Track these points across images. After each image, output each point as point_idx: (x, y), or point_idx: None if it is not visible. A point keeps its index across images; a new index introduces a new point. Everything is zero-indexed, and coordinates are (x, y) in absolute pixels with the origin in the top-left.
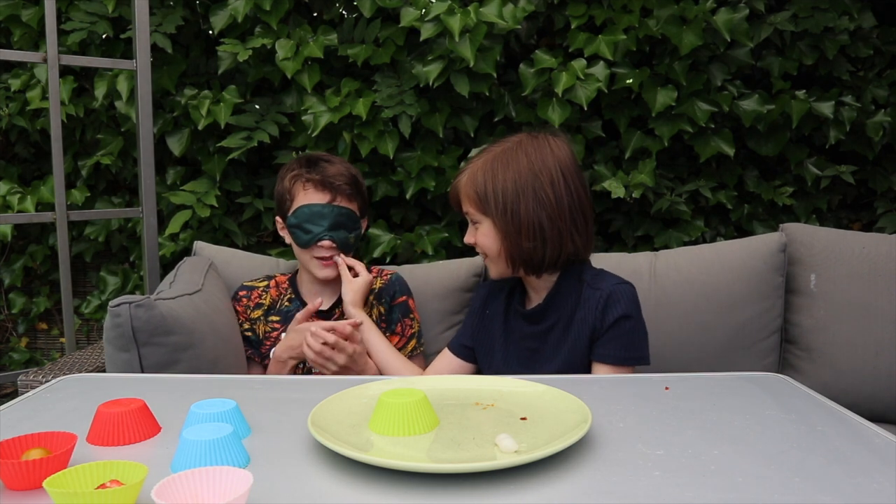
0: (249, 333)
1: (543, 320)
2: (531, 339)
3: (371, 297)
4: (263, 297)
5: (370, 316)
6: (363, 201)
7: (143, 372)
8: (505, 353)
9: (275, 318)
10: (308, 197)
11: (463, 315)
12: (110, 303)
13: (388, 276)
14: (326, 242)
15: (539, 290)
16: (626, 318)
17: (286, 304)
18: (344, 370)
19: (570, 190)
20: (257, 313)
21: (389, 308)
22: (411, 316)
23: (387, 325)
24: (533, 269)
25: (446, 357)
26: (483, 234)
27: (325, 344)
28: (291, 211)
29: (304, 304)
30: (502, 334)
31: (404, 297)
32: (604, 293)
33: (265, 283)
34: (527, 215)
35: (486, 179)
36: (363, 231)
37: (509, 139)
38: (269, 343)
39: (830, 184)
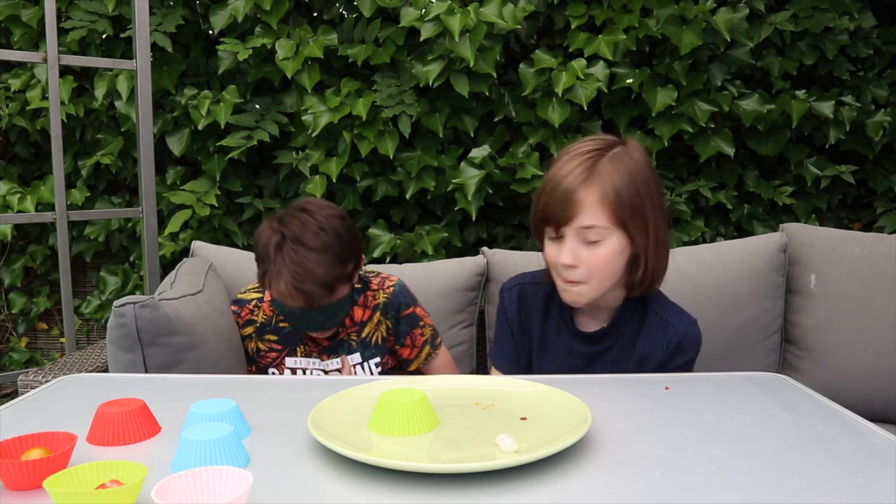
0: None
1: (602, 342)
2: (580, 357)
3: (377, 314)
4: (255, 314)
5: (378, 333)
6: (350, 272)
7: (146, 372)
8: (540, 362)
9: (272, 338)
10: (281, 297)
11: (465, 314)
12: (115, 303)
13: (391, 288)
14: (314, 335)
15: (599, 310)
16: (691, 361)
17: (284, 323)
18: None
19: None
20: (248, 330)
21: (396, 321)
22: (421, 324)
23: (395, 339)
24: (648, 290)
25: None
26: (609, 251)
27: None
28: (272, 296)
29: None
30: (539, 343)
31: (411, 309)
32: (678, 333)
33: (258, 294)
34: (657, 229)
35: (626, 186)
36: (360, 269)
37: (603, 139)
38: (263, 362)
39: (830, 184)
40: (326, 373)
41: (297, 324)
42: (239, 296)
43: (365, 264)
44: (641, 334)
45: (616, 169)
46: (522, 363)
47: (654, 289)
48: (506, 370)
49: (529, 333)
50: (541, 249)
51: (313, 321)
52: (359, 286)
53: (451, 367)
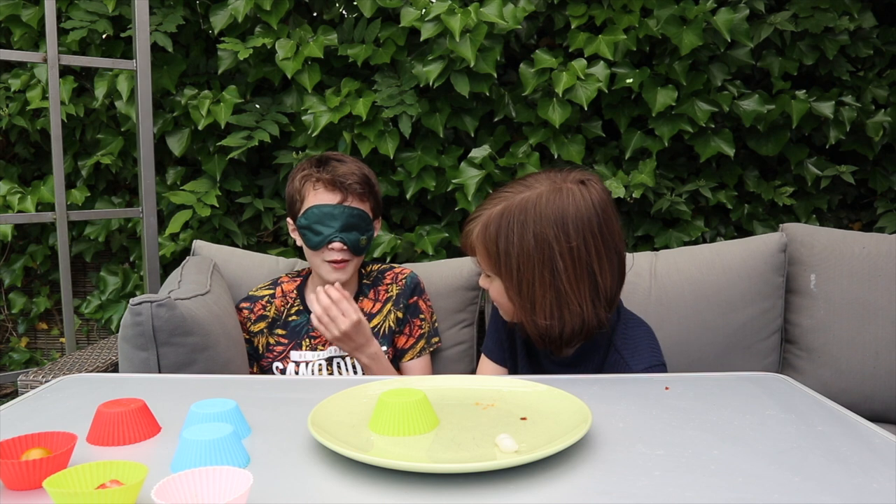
0: (247, 346)
1: (572, 369)
2: (557, 369)
3: (388, 306)
4: (268, 309)
5: (387, 323)
6: (376, 202)
7: (159, 372)
8: (527, 364)
9: (280, 332)
10: (318, 197)
11: (465, 314)
12: (131, 301)
13: (404, 280)
14: (337, 245)
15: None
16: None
17: (293, 316)
18: (345, 338)
19: (591, 253)
20: (259, 326)
21: (405, 309)
22: (421, 316)
23: (398, 328)
24: (553, 345)
25: (487, 365)
26: (498, 291)
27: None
28: (302, 212)
29: None
30: (523, 346)
31: (416, 298)
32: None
33: (270, 291)
34: (542, 290)
35: (500, 235)
36: (376, 232)
37: (529, 182)
38: (270, 357)
39: (830, 184)
40: (329, 365)
41: (326, 229)
42: (250, 293)
43: (369, 258)
44: (605, 368)
45: (500, 220)
46: (511, 356)
47: (559, 348)
48: (496, 358)
49: (514, 337)
50: None
51: (343, 221)
52: (368, 282)
53: (427, 373)
